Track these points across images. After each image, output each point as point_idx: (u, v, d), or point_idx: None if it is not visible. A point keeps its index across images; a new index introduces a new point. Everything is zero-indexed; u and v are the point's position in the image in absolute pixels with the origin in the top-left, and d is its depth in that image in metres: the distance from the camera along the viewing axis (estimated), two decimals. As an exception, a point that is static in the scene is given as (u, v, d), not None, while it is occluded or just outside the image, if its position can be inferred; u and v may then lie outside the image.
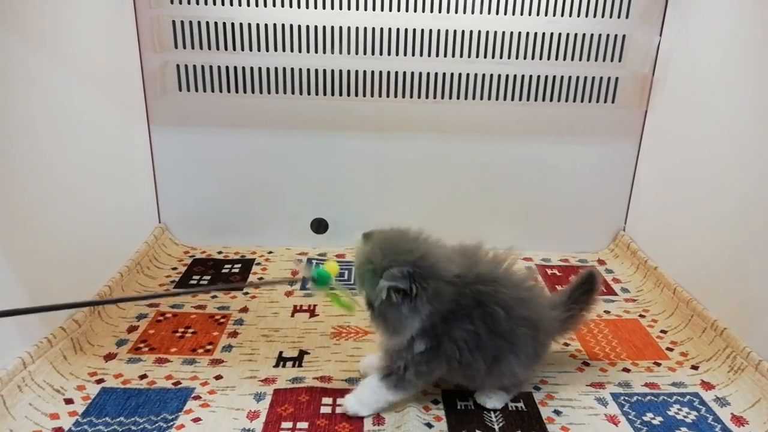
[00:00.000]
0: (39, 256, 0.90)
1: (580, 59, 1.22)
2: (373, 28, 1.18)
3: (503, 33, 1.19)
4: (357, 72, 1.21)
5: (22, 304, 0.85)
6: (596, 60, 1.22)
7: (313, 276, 0.78)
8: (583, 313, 0.91)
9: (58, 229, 0.95)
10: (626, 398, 0.87)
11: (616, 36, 1.20)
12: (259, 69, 1.21)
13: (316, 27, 1.18)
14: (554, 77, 1.23)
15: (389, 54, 1.20)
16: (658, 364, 0.95)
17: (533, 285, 0.85)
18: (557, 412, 0.83)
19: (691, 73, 1.13)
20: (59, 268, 0.95)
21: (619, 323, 1.07)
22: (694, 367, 0.94)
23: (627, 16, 1.19)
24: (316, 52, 1.20)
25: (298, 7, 1.16)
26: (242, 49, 1.19)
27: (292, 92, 1.23)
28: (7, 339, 0.82)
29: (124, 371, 0.89)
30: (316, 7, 1.16)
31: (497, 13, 1.18)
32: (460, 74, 1.22)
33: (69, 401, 0.82)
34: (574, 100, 1.25)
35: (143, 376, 0.88)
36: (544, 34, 1.19)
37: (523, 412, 0.83)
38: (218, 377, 0.89)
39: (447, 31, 1.19)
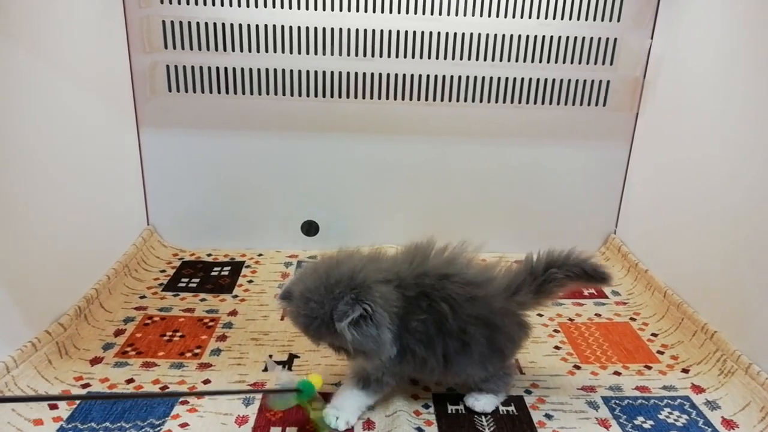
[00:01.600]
0: (25, 258, 0.88)
1: (572, 62, 1.22)
2: (365, 30, 1.17)
3: (496, 36, 1.19)
4: (348, 74, 1.21)
5: (7, 307, 0.84)
6: (588, 63, 1.22)
7: (298, 387, 0.74)
8: (559, 289, 0.84)
9: (45, 231, 0.93)
10: (617, 402, 0.86)
11: (607, 39, 1.21)
12: (250, 70, 1.20)
13: (307, 28, 1.17)
14: (546, 80, 1.23)
15: (381, 56, 1.20)
16: (649, 368, 0.95)
17: (488, 280, 0.80)
18: (548, 416, 0.83)
19: (682, 76, 1.13)
20: (46, 270, 0.93)
21: (610, 326, 1.07)
22: (685, 371, 0.94)
23: (618, 20, 1.20)
24: (308, 53, 1.19)
25: (290, 8, 1.16)
26: (233, 50, 1.18)
27: (283, 94, 1.22)
28: (-10, 343, 0.81)
29: (110, 376, 0.88)
30: (307, 8, 1.16)
31: (490, 15, 1.18)
32: (452, 76, 1.22)
33: (53, 406, 0.80)
34: (566, 103, 1.25)
35: (130, 381, 0.87)
36: (536, 37, 1.19)
37: (514, 416, 0.83)
38: (206, 381, 0.88)
39: (439, 33, 1.18)
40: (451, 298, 0.76)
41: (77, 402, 0.81)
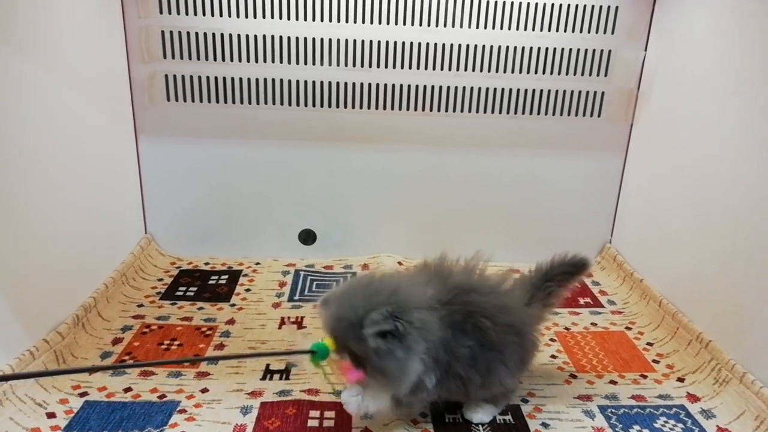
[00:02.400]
0: (23, 267, 0.88)
1: (567, 74, 1.23)
2: (363, 41, 1.19)
3: (492, 47, 1.20)
4: (346, 84, 1.22)
5: (5, 315, 0.84)
6: (583, 74, 1.24)
7: (312, 348, 0.72)
8: (559, 289, 0.88)
9: (43, 240, 0.93)
10: (613, 410, 0.87)
11: (602, 51, 1.22)
12: (248, 80, 1.21)
13: (305, 39, 1.18)
14: (542, 91, 1.24)
15: (379, 66, 1.21)
16: (645, 377, 0.95)
17: (510, 289, 0.83)
18: (545, 425, 0.83)
19: (675, 87, 1.14)
20: (44, 278, 0.93)
21: (606, 335, 1.07)
22: (680, 380, 0.95)
23: (613, 32, 1.21)
24: (306, 63, 1.20)
25: (288, 19, 1.17)
26: (231, 60, 1.19)
27: (281, 103, 1.23)
28: (-12, 351, 0.81)
29: (108, 384, 0.88)
30: (305, 19, 1.17)
31: (486, 27, 1.19)
32: (449, 87, 1.23)
33: (51, 415, 0.80)
34: (561, 114, 1.26)
35: (128, 389, 0.87)
36: (532, 48, 1.21)
37: (511, 425, 0.83)
38: (204, 390, 0.88)
39: (436, 44, 1.20)
40: (487, 310, 0.76)
41: (75, 411, 0.81)
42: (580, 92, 1.25)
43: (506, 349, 0.78)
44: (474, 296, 0.77)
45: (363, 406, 0.75)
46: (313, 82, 1.21)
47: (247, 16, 1.16)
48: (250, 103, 1.22)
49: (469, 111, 1.25)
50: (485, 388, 0.79)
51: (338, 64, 1.20)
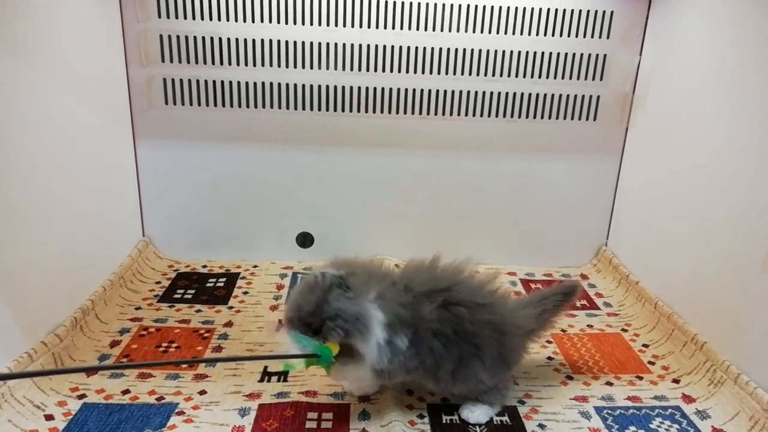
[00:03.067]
0: (21, 270, 0.88)
1: (563, 78, 1.24)
2: (361, 45, 1.19)
3: (489, 51, 1.21)
4: (344, 88, 1.22)
5: (3, 318, 0.84)
6: (579, 78, 1.25)
7: (318, 352, 0.73)
8: (551, 317, 0.91)
9: (41, 242, 0.94)
10: (609, 411, 0.87)
11: (597, 55, 1.23)
12: (246, 84, 1.21)
13: (303, 43, 1.19)
14: (538, 95, 1.25)
15: (377, 71, 1.21)
16: (641, 378, 0.96)
17: (493, 290, 0.85)
18: (542, 426, 0.84)
19: (670, 91, 1.16)
20: (42, 281, 0.93)
21: (602, 337, 1.08)
22: (676, 381, 0.95)
23: (608, 37, 1.22)
24: (304, 67, 1.21)
25: (286, 23, 1.18)
26: (229, 64, 1.20)
27: (279, 107, 1.23)
28: (-14, 354, 0.81)
29: (106, 386, 0.88)
30: (304, 24, 1.18)
31: (483, 32, 1.20)
32: (446, 91, 1.24)
33: (49, 417, 0.80)
34: (557, 118, 1.27)
35: (126, 392, 0.87)
36: (528, 52, 1.22)
37: (508, 426, 0.84)
38: (202, 392, 0.88)
39: (434, 48, 1.21)
40: (466, 301, 0.79)
41: (73, 413, 0.82)
42: (575, 96, 1.26)
43: (483, 344, 0.79)
44: (457, 288, 0.80)
45: (350, 382, 0.81)
46: (311, 86, 1.22)
47: (245, 20, 1.17)
48: (248, 106, 1.23)
49: (467, 114, 1.26)
50: (461, 380, 0.81)
51: (336, 68, 1.21)
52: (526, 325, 0.87)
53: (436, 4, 1.17)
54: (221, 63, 1.19)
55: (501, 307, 0.83)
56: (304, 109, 1.24)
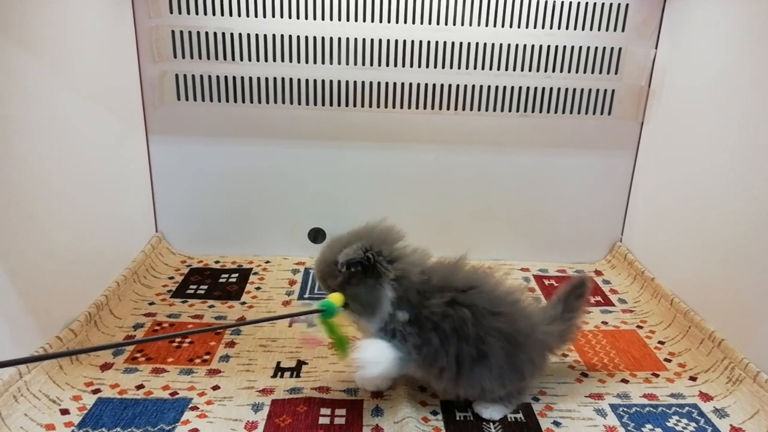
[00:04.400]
0: (36, 265, 0.89)
1: (577, 72, 1.23)
2: (372, 40, 1.19)
3: (501, 45, 1.20)
4: (356, 83, 1.22)
5: (18, 313, 0.85)
6: (593, 72, 1.23)
7: (321, 307, 0.77)
8: (576, 321, 0.90)
9: (55, 238, 0.94)
10: (625, 409, 0.86)
11: (612, 49, 1.22)
12: (258, 79, 1.21)
13: (315, 38, 1.18)
14: (551, 89, 1.24)
15: (388, 65, 1.21)
16: (657, 375, 0.95)
17: (517, 301, 0.84)
18: (556, 423, 0.83)
19: (686, 85, 1.14)
20: (56, 277, 0.94)
21: (617, 334, 1.07)
22: (693, 378, 0.94)
23: (623, 30, 1.21)
24: (315, 62, 1.20)
25: (297, 18, 1.17)
26: (241, 60, 1.20)
27: (291, 102, 1.23)
28: (2, 348, 0.81)
29: (120, 381, 0.88)
30: (315, 18, 1.17)
31: (495, 25, 1.19)
32: (458, 85, 1.23)
33: (65, 412, 0.81)
34: (571, 112, 1.26)
35: (140, 386, 0.87)
36: (541, 46, 1.21)
37: (522, 423, 0.83)
38: (216, 387, 0.88)
39: (445, 43, 1.20)
40: (475, 306, 0.78)
41: (88, 407, 0.82)
42: (590, 90, 1.24)
43: (490, 352, 0.79)
44: (473, 291, 0.80)
45: (369, 370, 0.80)
46: (323, 81, 1.21)
47: (256, 16, 1.17)
48: (260, 102, 1.23)
49: (479, 109, 1.25)
50: (464, 384, 0.80)
51: (348, 63, 1.20)
52: (549, 341, 0.86)
53: (448, -2, 1.17)
54: (233, 59, 1.19)
55: (520, 320, 0.82)
56: (316, 104, 1.23)
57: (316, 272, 0.83)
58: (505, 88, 1.23)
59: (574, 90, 1.24)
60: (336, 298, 0.78)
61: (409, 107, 1.24)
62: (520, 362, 0.81)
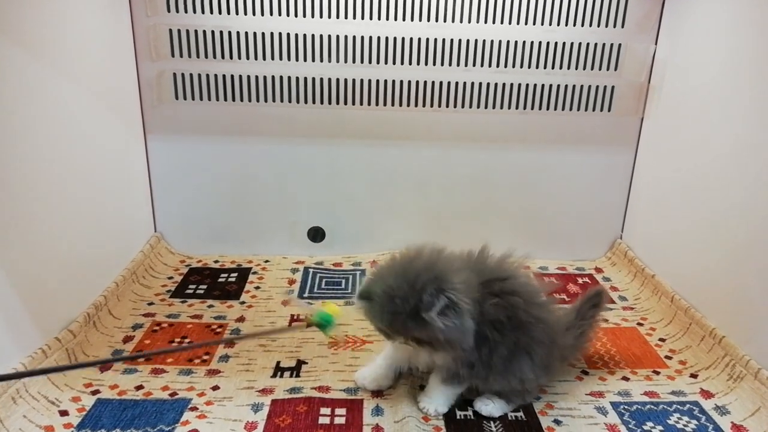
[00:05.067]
0: (34, 266, 0.89)
1: (577, 68, 1.22)
2: (370, 37, 1.18)
3: (500, 42, 1.20)
4: (354, 80, 1.21)
5: (16, 315, 0.84)
6: (593, 69, 1.22)
7: (317, 321, 0.76)
8: (588, 330, 0.92)
9: (53, 238, 0.94)
10: (626, 407, 0.86)
11: (612, 45, 1.21)
12: (256, 77, 1.21)
13: (313, 36, 1.18)
14: (551, 86, 1.23)
15: (386, 63, 1.20)
16: (657, 373, 0.95)
17: (549, 298, 0.86)
18: (557, 422, 0.83)
19: (686, 81, 1.13)
20: (55, 277, 0.94)
21: (618, 331, 1.07)
22: (693, 376, 0.94)
23: (623, 26, 1.20)
24: (314, 60, 1.20)
25: (295, 16, 1.17)
26: (239, 58, 1.19)
27: (289, 101, 1.23)
28: (1, 349, 0.81)
29: (119, 382, 0.88)
30: (313, 16, 1.17)
31: (494, 22, 1.18)
32: (457, 83, 1.22)
33: (64, 413, 0.81)
34: (571, 109, 1.25)
35: (139, 387, 0.87)
36: (540, 43, 1.20)
37: (523, 422, 0.83)
38: (215, 388, 0.88)
39: (444, 40, 1.19)
40: (519, 293, 0.79)
41: (87, 409, 0.82)
42: (590, 87, 1.24)
43: (535, 340, 0.80)
44: (509, 280, 0.80)
45: (429, 409, 0.83)
46: (322, 79, 1.21)
47: (254, 14, 1.16)
48: (258, 100, 1.22)
49: (478, 107, 1.24)
50: (506, 375, 0.80)
51: (346, 61, 1.20)
52: (565, 351, 0.88)
53: (447, -5, 1.16)
54: (231, 57, 1.19)
55: (552, 313, 0.85)
56: (314, 102, 1.23)
57: (392, 328, 0.77)
58: (504, 85, 1.23)
59: (574, 86, 1.24)
60: (333, 310, 0.77)
61: (408, 105, 1.24)
62: (552, 357, 0.83)
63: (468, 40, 1.19)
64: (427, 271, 0.74)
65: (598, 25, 1.20)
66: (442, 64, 1.21)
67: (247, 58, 1.19)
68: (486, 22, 1.18)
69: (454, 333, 0.74)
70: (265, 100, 1.22)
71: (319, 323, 0.76)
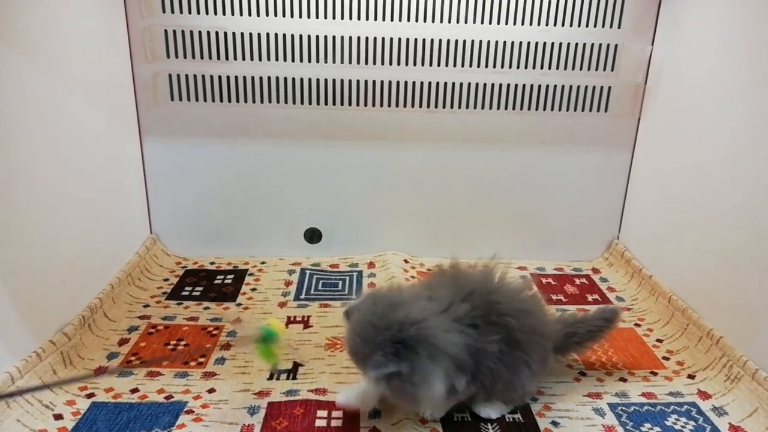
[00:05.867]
0: (29, 267, 0.88)
1: (574, 68, 1.22)
2: (366, 38, 1.18)
3: (497, 42, 1.19)
4: (350, 81, 1.21)
5: (12, 316, 0.84)
6: (589, 69, 1.22)
7: (263, 335, 0.78)
8: (584, 342, 0.91)
9: (48, 240, 0.93)
10: (623, 408, 0.86)
11: (608, 45, 1.21)
12: (252, 78, 1.20)
13: (309, 36, 1.17)
14: (548, 86, 1.23)
15: (382, 63, 1.20)
16: (655, 374, 0.94)
17: (531, 295, 0.85)
18: (555, 423, 0.83)
19: (683, 82, 1.13)
20: (49, 279, 0.93)
21: (615, 332, 1.05)
22: (691, 377, 0.94)
23: (619, 26, 1.20)
24: (309, 61, 1.19)
25: (291, 16, 1.16)
26: (234, 59, 1.19)
27: (285, 102, 1.22)
28: (-5, 353, 0.81)
29: (114, 385, 0.88)
30: (309, 17, 1.16)
31: (490, 22, 1.18)
32: (454, 83, 1.22)
33: (58, 417, 0.80)
34: (568, 109, 1.25)
35: (135, 390, 0.87)
36: (537, 43, 1.20)
37: (521, 423, 0.82)
38: (211, 390, 0.87)
39: (440, 40, 1.19)
40: (512, 311, 0.77)
41: (82, 412, 0.81)
42: (586, 87, 1.24)
43: (531, 350, 0.79)
44: (495, 297, 0.78)
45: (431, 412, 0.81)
46: (317, 80, 1.21)
47: (250, 14, 1.16)
48: (254, 101, 1.22)
49: (475, 107, 1.24)
50: (508, 388, 0.80)
51: (342, 62, 1.20)
52: (555, 339, 0.87)
53: (443, -5, 1.16)
54: (227, 58, 1.18)
55: (541, 312, 0.84)
56: (311, 103, 1.22)
57: (351, 359, 0.75)
58: (501, 85, 1.23)
59: (571, 87, 1.23)
60: (275, 325, 0.78)
61: (405, 105, 1.23)
62: (546, 351, 0.83)
63: (465, 41, 1.19)
64: (398, 328, 0.69)
65: (595, 26, 1.20)
66: (438, 65, 1.21)
67: (243, 59, 1.19)
68: (482, 22, 1.18)
69: (405, 398, 0.72)
70: (261, 101, 1.22)
71: (262, 337, 0.78)
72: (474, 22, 1.18)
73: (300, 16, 1.16)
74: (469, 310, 0.76)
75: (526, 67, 1.22)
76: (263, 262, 1.30)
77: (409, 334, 0.69)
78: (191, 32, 1.16)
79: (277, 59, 1.19)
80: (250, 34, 1.17)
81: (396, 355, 0.69)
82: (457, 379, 0.73)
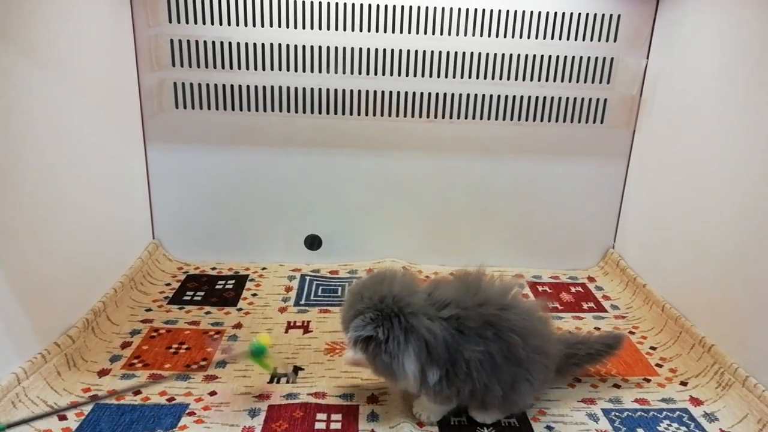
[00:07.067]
0: (34, 272, 0.90)
1: (570, 81, 1.25)
2: (368, 49, 1.20)
3: (495, 55, 1.22)
4: (352, 91, 1.23)
5: (16, 319, 0.85)
6: (585, 82, 1.25)
7: (251, 350, 0.85)
8: (585, 363, 0.93)
9: (53, 245, 0.95)
10: (617, 414, 0.88)
11: (604, 59, 1.24)
12: (255, 87, 1.22)
13: (312, 47, 1.20)
14: (545, 98, 1.26)
15: (384, 74, 1.22)
16: (648, 380, 0.96)
17: (542, 315, 0.85)
18: (549, 428, 0.84)
19: (677, 94, 1.16)
20: (54, 283, 0.95)
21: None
22: (683, 383, 0.95)
23: (615, 40, 1.23)
24: (312, 71, 1.22)
25: (295, 27, 1.19)
26: (239, 68, 1.21)
27: (288, 111, 1.24)
28: (1, 354, 0.82)
29: (117, 387, 0.89)
30: (312, 28, 1.19)
31: (490, 35, 1.21)
32: (452, 94, 1.24)
33: (62, 418, 0.82)
34: (564, 121, 1.28)
35: (137, 392, 0.88)
36: (535, 56, 1.22)
37: (516, 428, 0.84)
38: (212, 393, 0.89)
39: (440, 52, 1.21)
40: (518, 328, 0.78)
41: (85, 413, 0.83)
42: (582, 99, 1.26)
43: (533, 368, 0.80)
44: (506, 313, 0.79)
45: (423, 416, 0.84)
46: (320, 90, 1.23)
47: (254, 25, 1.18)
48: (257, 110, 1.24)
49: (473, 118, 1.26)
50: (505, 402, 0.81)
51: (344, 72, 1.22)
52: (558, 360, 0.88)
53: (443, 8, 1.18)
54: (231, 67, 1.21)
55: (548, 333, 0.85)
56: (312, 112, 1.25)
57: (342, 327, 0.81)
58: (499, 96, 1.25)
59: (567, 99, 1.26)
60: (265, 340, 0.85)
61: (405, 115, 1.26)
62: (548, 370, 0.84)
63: (464, 53, 1.22)
64: (380, 299, 0.76)
65: (591, 40, 1.22)
66: (439, 76, 1.23)
67: (247, 68, 1.21)
68: (482, 35, 1.21)
69: (379, 367, 0.76)
70: (264, 110, 1.24)
71: (253, 352, 0.85)
72: (474, 35, 1.20)
73: (303, 27, 1.19)
74: (460, 315, 0.77)
75: (524, 79, 1.24)
76: (264, 268, 1.31)
77: (388, 304, 0.76)
78: (196, 42, 1.19)
79: (280, 69, 1.21)
80: (254, 44, 1.19)
81: (373, 321, 0.75)
82: (429, 368, 0.76)
